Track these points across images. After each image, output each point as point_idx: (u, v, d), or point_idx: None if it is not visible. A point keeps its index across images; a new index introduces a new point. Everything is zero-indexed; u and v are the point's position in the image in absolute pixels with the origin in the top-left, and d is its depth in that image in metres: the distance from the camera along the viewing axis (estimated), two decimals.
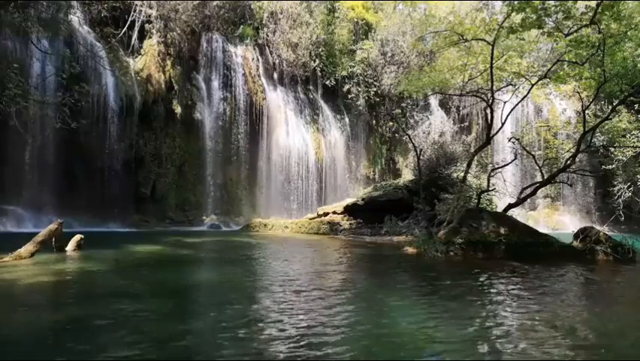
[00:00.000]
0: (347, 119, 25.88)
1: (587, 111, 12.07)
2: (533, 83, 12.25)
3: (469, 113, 27.66)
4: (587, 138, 11.93)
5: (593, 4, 9.67)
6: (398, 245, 11.48)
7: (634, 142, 16.78)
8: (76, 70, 14.28)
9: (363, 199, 17.39)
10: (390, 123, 26.25)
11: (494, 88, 11.77)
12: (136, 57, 19.25)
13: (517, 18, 10.30)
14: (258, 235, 14.97)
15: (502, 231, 9.29)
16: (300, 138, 23.22)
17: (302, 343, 3.32)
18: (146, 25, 19.39)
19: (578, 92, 13.65)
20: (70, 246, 8.42)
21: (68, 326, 3.72)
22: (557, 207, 26.32)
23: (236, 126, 21.33)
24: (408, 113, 25.89)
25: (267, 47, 23.53)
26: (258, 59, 23.01)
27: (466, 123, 27.08)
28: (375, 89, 25.72)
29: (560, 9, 9.87)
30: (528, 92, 12.90)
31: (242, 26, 22.88)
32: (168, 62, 19.84)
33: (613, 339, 3.75)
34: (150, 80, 18.89)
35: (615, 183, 20.34)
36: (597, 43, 9.77)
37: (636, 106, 19.14)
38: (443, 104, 27.85)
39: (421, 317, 4.23)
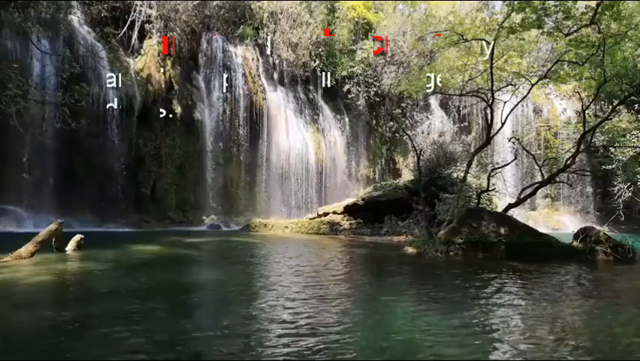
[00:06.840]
0: (347, 119, 25.86)
1: (587, 111, 12.06)
2: (533, 83, 12.25)
3: (469, 113, 27.62)
4: (587, 138, 11.94)
5: (593, 4, 9.68)
6: (398, 245, 11.48)
7: (634, 142, 16.76)
8: (76, 70, 14.27)
9: (363, 199, 17.39)
10: (391, 123, 26.22)
11: (494, 88, 11.77)
12: (136, 57, 19.25)
13: (517, 18, 10.31)
14: (258, 235, 14.97)
15: (502, 231, 9.29)
16: (300, 138, 23.19)
17: (302, 343, 3.32)
18: (146, 25, 19.37)
19: (578, 92, 13.63)
20: (70, 246, 8.42)
21: (68, 326, 3.72)
22: (557, 207, 26.29)
23: (237, 126, 21.30)
24: (408, 113, 25.85)
25: (267, 47, 23.52)
26: (258, 59, 22.99)
27: (466, 123, 27.03)
28: (375, 89, 25.68)
29: (560, 9, 9.89)
30: (528, 92, 12.90)
31: (242, 26, 22.86)
32: (168, 62, 19.84)
33: (613, 339, 3.75)
34: (150, 80, 18.89)
35: (615, 183, 20.29)
36: (597, 43, 9.77)
37: (636, 106, 19.13)
38: (443, 104, 27.82)
39: (421, 318, 4.23)
